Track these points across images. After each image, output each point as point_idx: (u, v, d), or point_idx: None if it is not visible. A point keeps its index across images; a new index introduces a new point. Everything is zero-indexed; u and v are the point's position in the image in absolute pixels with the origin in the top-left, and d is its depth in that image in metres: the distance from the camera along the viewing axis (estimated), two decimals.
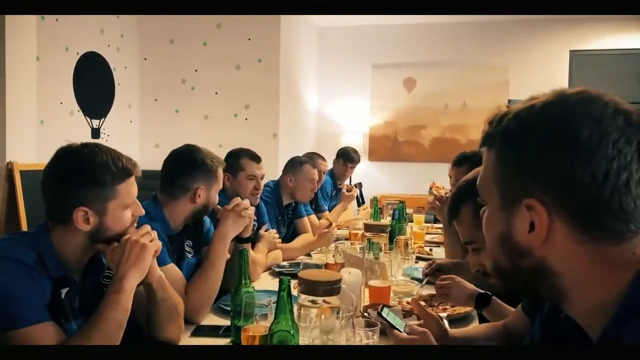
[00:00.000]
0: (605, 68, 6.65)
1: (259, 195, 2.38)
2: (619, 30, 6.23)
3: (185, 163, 1.78)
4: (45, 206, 1.31)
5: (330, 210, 3.54)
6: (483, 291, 1.52)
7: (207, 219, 1.91)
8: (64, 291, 1.28)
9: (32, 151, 3.55)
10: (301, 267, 1.69)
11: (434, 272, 1.86)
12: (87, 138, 4.82)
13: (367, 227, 2.40)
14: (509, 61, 6.46)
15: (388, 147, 6.80)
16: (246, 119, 5.46)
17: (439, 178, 5.32)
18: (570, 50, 6.44)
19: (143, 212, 1.37)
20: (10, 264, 1.18)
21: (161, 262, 1.57)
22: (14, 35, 3.44)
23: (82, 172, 1.27)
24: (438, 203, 2.41)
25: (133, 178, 1.33)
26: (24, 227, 3.09)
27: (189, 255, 1.82)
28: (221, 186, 1.87)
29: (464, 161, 2.22)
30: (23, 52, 3.55)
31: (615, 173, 0.64)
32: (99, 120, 4.98)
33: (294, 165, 2.77)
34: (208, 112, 5.52)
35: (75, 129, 4.66)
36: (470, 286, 1.55)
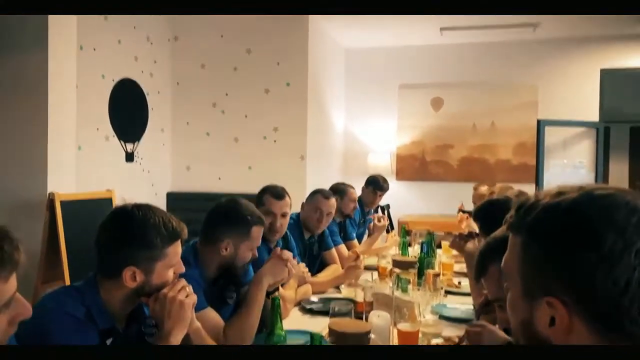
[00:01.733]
0: (638, 86, 6.55)
1: (276, 233, 2.38)
2: None
3: (220, 215, 1.83)
4: (97, 262, 1.39)
5: (358, 237, 3.57)
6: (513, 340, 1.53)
7: (251, 270, 1.94)
8: (109, 341, 1.35)
9: (71, 180, 3.68)
10: (331, 309, 1.72)
11: (483, 307, 1.86)
12: (122, 162, 4.97)
13: (396, 263, 2.42)
14: (538, 81, 6.42)
15: (416, 166, 6.80)
16: (275, 141, 5.55)
17: (467, 198, 5.32)
18: (602, 69, 6.36)
19: (184, 269, 1.44)
20: (62, 317, 1.26)
21: (198, 307, 1.64)
22: (56, 67, 3.59)
23: (134, 234, 1.34)
24: (457, 240, 2.41)
25: (179, 240, 1.40)
26: (64, 256, 3.20)
27: (230, 301, 1.86)
28: (257, 244, 1.86)
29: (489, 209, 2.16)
30: (64, 82, 3.70)
31: (637, 281, 0.66)
32: (132, 144, 5.13)
33: (309, 196, 2.80)
34: (238, 134, 5.63)
35: (111, 154, 4.82)
36: (502, 334, 1.56)
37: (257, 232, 1.86)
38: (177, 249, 1.39)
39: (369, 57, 6.85)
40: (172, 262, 1.38)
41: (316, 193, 2.81)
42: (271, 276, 1.78)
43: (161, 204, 5.63)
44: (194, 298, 1.37)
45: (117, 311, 1.38)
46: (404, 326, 1.69)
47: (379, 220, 3.21)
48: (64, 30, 3.68)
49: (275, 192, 2.42)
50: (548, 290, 0.71)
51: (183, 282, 1.38)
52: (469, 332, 1.56)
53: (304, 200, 2.86)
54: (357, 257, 2.54)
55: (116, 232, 1.36)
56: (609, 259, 0.67)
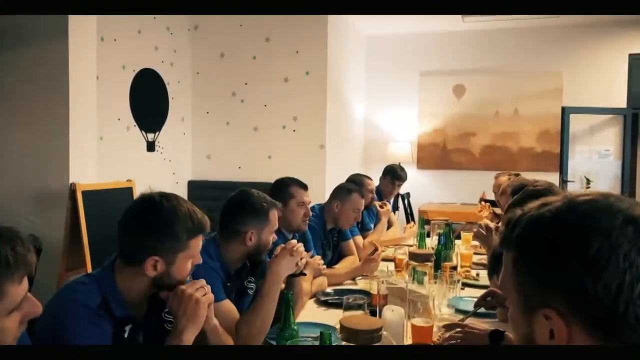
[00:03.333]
0: None
1: (307, 222, 2.44)
2: None
3: (237, 208, 1.86)
4: (119, 247, 1.40)
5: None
6: (494, 329, 1.51)
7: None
8: (127, 329, 1.37)
9: (93, 170, 3.74)
10: (345, 302, 1.72)
11: (484, 300, 1.85)
12: (143, 152, 5.02)
13: (412, 256, 2.40)
14: (563, 67, 6.28)
15: (437, 155, 6.73)
16: (294, 130, 5.55)
17: (489, 186, 5.25)
18: (630, 54, 6.19)
19: (201, 261, 1.45)
20: (77, 308, 1.28)
21: (216, 299, 1.66)
22: (76, 59, 3.63)
23: (161, 225, 1.36)
24: (483, 232, 2.38)
25: (202, 234, 1.43)
26: (86, 245, 3.26)
27: (250, 292, 1.90)
28: (275, 226, 1.92)
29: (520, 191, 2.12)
30: (84, 74, 3.74)
31: (629, 286, 0.65)
32: (154, 134, 5.18)
33: (342, 192, 2.80)
34: (257, 124, 5.64)
35: (132, 144, 4.88)
36: (481, 328, 1.55)
37: (274, 215, 1.93)
38: (199, 241, 1.42)
39: (389, 44, 6.77)
40: (193, 254, 1.40)
41: (351, 192, 2.80)
42: (285, 267, 1.80)
43: (182, 192, 5.69)
44: (210, 297, 1.39)
45: (133, 299, 1.39)
46: (418, 321, 1.68)
47: (382, 207, 3.21)
48: (83, 22, 3.71)
49: (301, 183, 2.49)
50: (543, 303, 0.70)
51: (202, 282, 1.40)
52: (450, 338, 1.54)
53: (332, 195, 2.86)
54: (375, 249, 2.53)
55: (143, 221, 1.37)
56: (597, 264, 0.65)
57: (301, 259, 1.84)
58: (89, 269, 3.27)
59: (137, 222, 1.38)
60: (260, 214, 1.86)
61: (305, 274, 1.94)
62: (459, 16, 5.85)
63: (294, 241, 1.86)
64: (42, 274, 3.26)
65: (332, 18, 5.49)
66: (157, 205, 1.37)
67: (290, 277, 1.85)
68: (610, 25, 6.12)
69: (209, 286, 1.40)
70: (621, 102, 6.26)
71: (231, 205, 1.88)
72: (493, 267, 1.32)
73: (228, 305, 1.71)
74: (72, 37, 3.61)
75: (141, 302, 1.43)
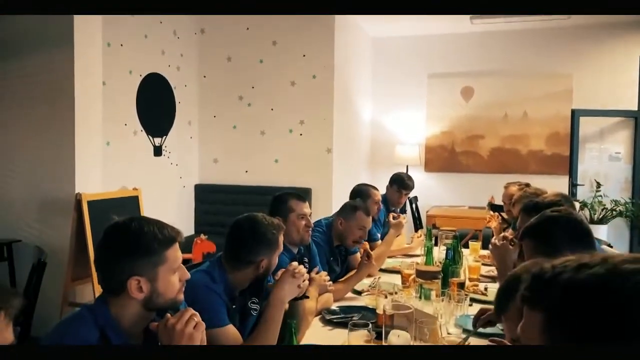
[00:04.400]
0: None
1: (310, 232, 2.43)
2: None
3: (249, 237, 1.84)
4: (100, 283, 1.39)
5: (383, 237, 3.51)
6: None
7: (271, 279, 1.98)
8: None
9: (98, 178, 3.74)
10: (349, 324, 1.70)
11: (485, 325, 1.82)
12: (150, 156, 5.02)
13: (419, 274, 2.38)
14: (573, 69, 6.21)
15: (445, 157, 6.69)
16: (301, 134, 5.52)
17: (498, 189, 5.19)
18: None
19: (189, 276, 1.43)
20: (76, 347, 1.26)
21: (220, 324, 1.64)
22: (82, 65, 3.62)
23: (132, 243, 1.34)
24: (498, 244, 2.30)
25: (177, 244, 1.40)
26: (91, 255, 3.26)
27: (254, 313, 1.88)
28: (282, 249, 1.92)
29: (534, 211, 2.07)
30: (90, 80, 3.74)
31: None
32: (160, 138, 5.18)
33: (347, 210, 2.77)
34: (264, 127, 5.62)
35: (139, 148, 4.88)
36: None
37: (282, 239, 1.93)
38: (176, 252, 1.39)
39: (397, 46, 6.72)
40: (173, 265, 1.37)
41: (357, 210, 2.76)
42: (289, 292, 1.78)
43: (189, 196, 5.69)
44: (201, 326, 1.36)
45: (131, 329, 1.37)
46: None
47: (395, 218, 3.16)
48: (89, 28, 3.71)
49: (299, 196, 2.49)
50: None
51: (191, 311, 1.36)
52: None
53: (338, 212, 2.84)
54: (369, 256, 2.54)
55: (113, 246, 1.36)
56: (634, 338, 0.60)
57: (304, 281, 1.82)
58: (95, 279, 3.27)
59: (108, 250, 1.37)
60: (272, 242, 1.87)
61: (307, 297, 1.93)
62: (467, 17, 5.79)
63: (295, 263, 1.85)
64: (49, 283, 3.27)
65: (338, 21, 5.45)
66: (122, 227, 1.37)
67: (293, 300, 1.83)
68: (620, 26, 6.05)
69: (197, 314, 1.36)
70: (632, 104, 6.18)
71: (243, 236, 1.85)
72: (501, 305, 1.26)
73: (231, 330, 1.69)
74: (78, 43, 3.60)
75: (138, 332, 1.40)
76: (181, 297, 1.41)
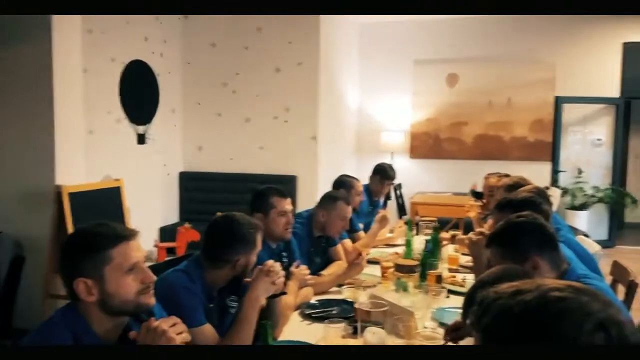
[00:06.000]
0: None
1: (290, 230, 2.42)
2: None
3: (226, 237, 1.84)
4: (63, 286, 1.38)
5: (366, 226, 3.55)
6: None
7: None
8: None
9: (81, 169, 3.70)
10: (327, 319, 1.73)
11: (452, 333, 1.84)
12: (134, 144, 4.99)
13: (398, 267, 2.41)
14: (556, 56, 6.25)
15: (429, 144, 6.73)
16: (286, 121, 5.52)
17: (480, 176, 5.24)
18: (624, 43, 6.16)
19: (153, 278, 1.37)
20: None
21: (197, 323, 1.66)
22: (60, 53, 3.54)
23: (75, 243, 1.34)
24: (474, 239, 2.34)
25: (131, 243, 1.35)
26: None
27: (232, 310, 1.90)
28: (260, 247, 1.92)
29: (507, 208, 2.11)
30: (70, 68, 3.66)
31: None
32: (144, 126, 5.14)
33: (328, 201, 2.77)
34: (249, 114, 5.61)
35: (122, 137, 4.84)
36: None
37: (260, 237, 1.93)
38: (125, 250, 1.32)
39: (383, 32, 6.70)
40: (123, 265, 1.31)
41: (337, 200, 2.76)
42: (264, 292, 1.79)
43: (173, 184, 5.68)
44: (187, 339, 1.34)
45: (105, 334, 1.34)
46: (400, 343, 1.70)
47: (383, 218, 3.17)
48: (67, 16, 3.63)
49: (280, 192, 2.45)
50: None
51: (174, 319, 1.36)
52: None
53: (318, 203, 2.83)
54: (359, 254, 2.54)
55: (64, 248, 1.35)
56: None
57: (279, 278, 1.83)
58: None
59: (63, 256, 1.35)
60: (250, 241, 1.87)
61: (285, 294, 1.94)
62: None
63: (270, 261, 1.85)
64: (30, 275, 3.27)
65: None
66: (77, 229, 1.40)
67: (270, 298, 1.85)
68: (603, 14, 6.07)
69: (183, 324, 1.36)
70: (614, 91, 6.24)
71: (221, 236, 1.85)
72: (466, 314, 1.29)
73: (207, 329, 1.71)
74: (56, 30, 3.52)
75: (112, 338, 1.36)
76: (146, 299, 1.35)
